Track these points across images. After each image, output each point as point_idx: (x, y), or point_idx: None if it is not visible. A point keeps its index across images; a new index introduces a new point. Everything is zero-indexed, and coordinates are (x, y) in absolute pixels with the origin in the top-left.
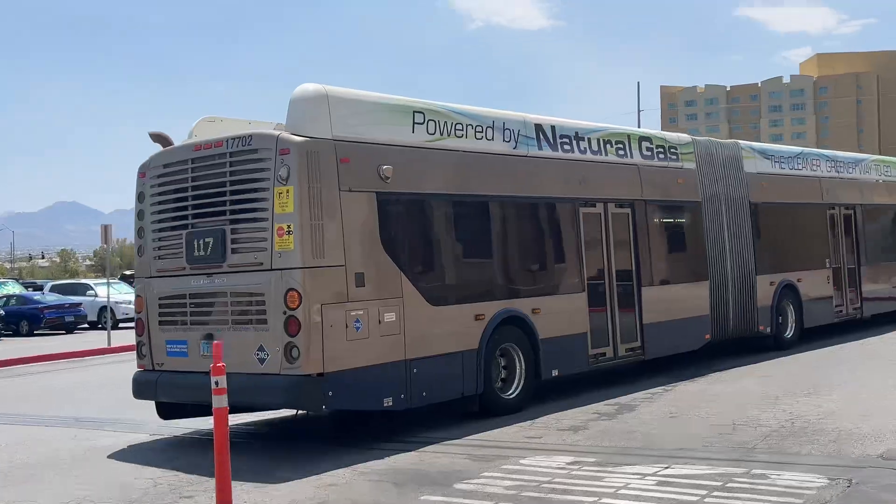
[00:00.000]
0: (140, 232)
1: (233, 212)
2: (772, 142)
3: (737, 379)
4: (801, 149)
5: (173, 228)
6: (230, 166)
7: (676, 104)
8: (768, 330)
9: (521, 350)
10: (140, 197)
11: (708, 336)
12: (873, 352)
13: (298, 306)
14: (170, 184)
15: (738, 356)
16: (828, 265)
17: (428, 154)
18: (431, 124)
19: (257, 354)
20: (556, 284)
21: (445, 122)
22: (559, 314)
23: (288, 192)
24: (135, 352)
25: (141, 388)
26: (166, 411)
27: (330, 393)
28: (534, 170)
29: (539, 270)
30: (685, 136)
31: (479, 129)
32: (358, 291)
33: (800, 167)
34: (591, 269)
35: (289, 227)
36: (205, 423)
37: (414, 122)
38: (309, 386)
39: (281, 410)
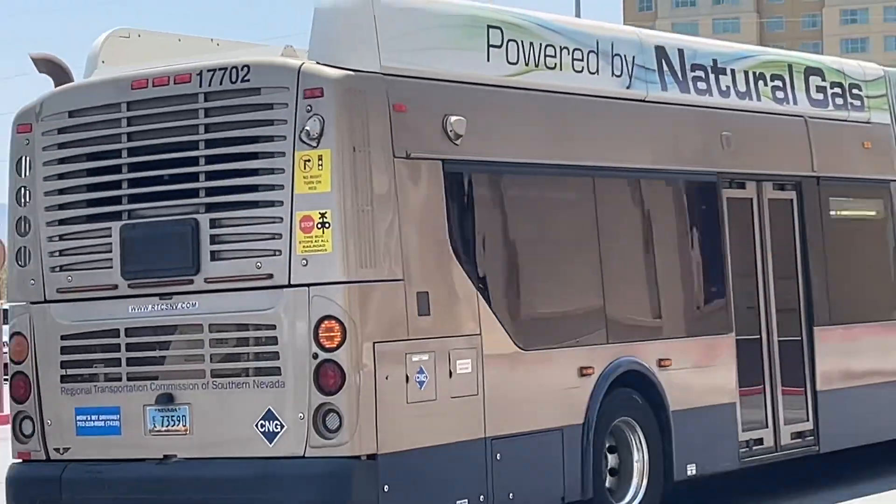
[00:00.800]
0: (21, 224)
1: (213, 191)
2: (844, 54)
3: None
4: None
5: (91, 219)
6: (206, 116)
7: None
8: None
9: (642, 429)
10: (20, 165)
11: None
12: None
13: (340, 345)
14: (83, 143)
15: None
16: None
17: (510, 97)
18: (513, 48)
19: (263, 426)
20: (692, 319)
21: (531, 43)
22: (697, 370)
23: (321, 158)
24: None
25: (27, 492)
26: None
27: (386, 488)
28: (657, 123)
29: (666, 294)
30: (872, 67)
31: (577, 54)
32: (421, 322)
33: None
34: (738, 295)
35: (323, 215)
36: None
37: (489, 45)
38: (360, 475)
39: None
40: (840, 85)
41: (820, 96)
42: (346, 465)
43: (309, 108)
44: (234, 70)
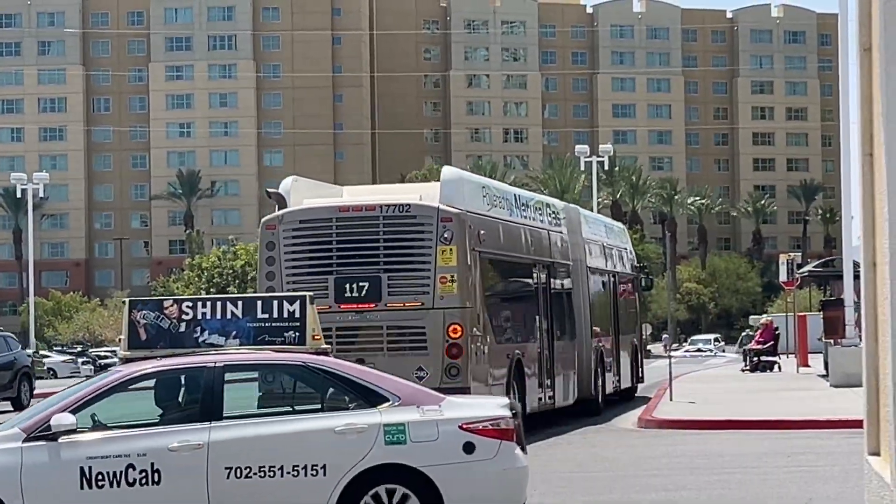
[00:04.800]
0: (269, 275)
1: (388, 262)
2: (169, 111)
3: None
4: (596, 214)
5: (313, 273)
6: (384, 227)
7: None
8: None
9: (517, 383)
10: (269, 246)
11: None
12: None
13: (460, 336)
14: (309, 237)
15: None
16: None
17: (486, 221)
18: (487, 197)
19: (417, 373)
20: (533, 334)
21: (490, 195)
22: (532, 359)
23: (451, 251)
24: None
25: None
26: None
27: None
28: (518, 234)
29: (527, 321)
30: (559, 202)
31: (498, 200)
32: (477, 326)
33: (604, 232)
34: (542, 322)
35: (452, 276)
36: None
37: (482, 195)
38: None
39: None
40: (555, 213)
41: (550, 219)
42: (462, 391)
43: (444, 226)
44: (400, 206)
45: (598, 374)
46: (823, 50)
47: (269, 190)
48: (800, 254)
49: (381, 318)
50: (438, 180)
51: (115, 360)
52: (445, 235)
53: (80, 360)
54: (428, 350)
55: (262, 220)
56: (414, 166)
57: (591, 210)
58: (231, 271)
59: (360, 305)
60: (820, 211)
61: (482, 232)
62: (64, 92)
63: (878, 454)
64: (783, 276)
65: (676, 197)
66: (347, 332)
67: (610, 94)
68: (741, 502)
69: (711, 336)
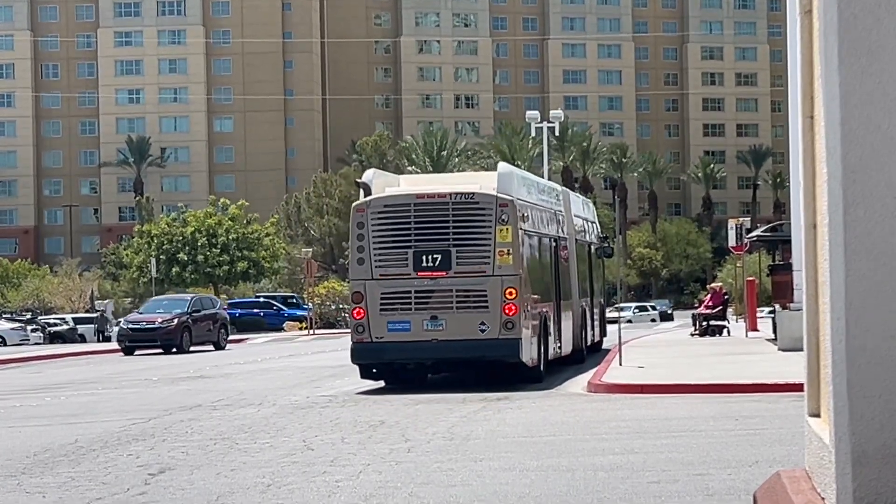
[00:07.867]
0: (360, 248)
1: (457, 238)
2: (119, 77)
3: None
4: (576, 194)
5: (395, 247)
6: (452, 209)
7: None
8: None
9: (543, 333)
10: (359, 225)
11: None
12: None
13: (515, 297)
14: (392, 217)
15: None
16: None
17: (526, 205)
18: (525, 186)
19: (480, 327)
20: (553, 295)
21: (526, 183)
22: (553, 313)
23: (507, 229)
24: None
25: (364, 354)
26: (367, 373)
27: (523, 348)
28: (542, 214)
29: (549, 286)
30: (558, 185)
31: (530, 187)
32: (525, 289)
33: (582, 209)
34: (553, 285)
35: (508, 250)
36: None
37: (522, 185)
38: (519, 344)
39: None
40: (557, 195)
41: (555, 200)
42: (516, 341)
43: (502, 210)
44: (466, 195)
45: (583, 329)
46: (773, 15)
47: (357, 181)
48: (749, 219)
49: (451, 283)
50: (388, 147)
51: (65, 327)
52: (503, 217)
53: (29, 327)
54: (489, 308)
55: (354, 204)
56: (364, 132)
57: (543, 176)
58: (181, 238)
59: (433, 273)
60: (769, 176)
61: (524, 214)
62: (12, 58)
63: (818, 415)
64: (732, 241)
65: (626, 162)
66: (423, 294)
67: (560, 60)
68: (688, 465)
69: (634, 304)
